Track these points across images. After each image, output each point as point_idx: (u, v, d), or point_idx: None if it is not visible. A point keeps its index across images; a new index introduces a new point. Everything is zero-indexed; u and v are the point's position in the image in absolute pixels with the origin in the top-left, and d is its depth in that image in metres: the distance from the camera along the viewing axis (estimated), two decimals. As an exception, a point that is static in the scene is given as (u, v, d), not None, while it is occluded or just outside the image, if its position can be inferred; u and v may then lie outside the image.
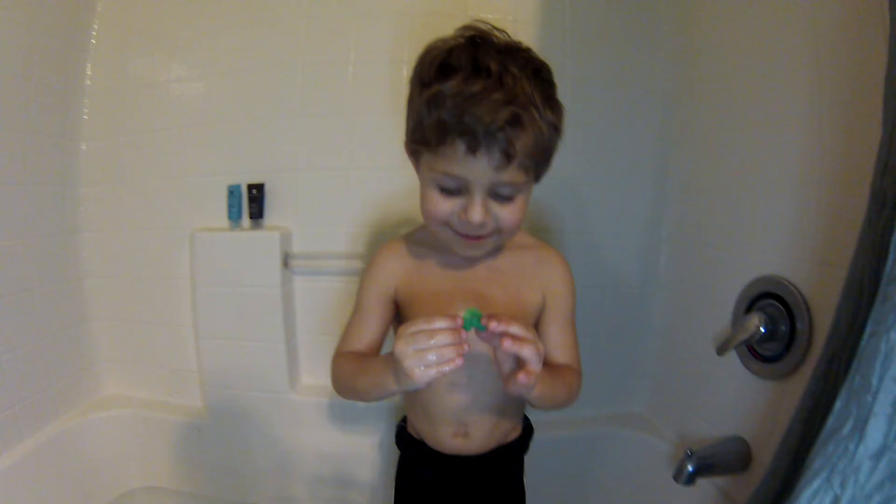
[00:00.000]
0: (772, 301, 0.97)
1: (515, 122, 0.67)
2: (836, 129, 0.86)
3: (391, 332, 0.90)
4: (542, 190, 1.13)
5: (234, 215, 1.33)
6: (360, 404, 1.33)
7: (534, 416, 0.98)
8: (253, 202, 1.33)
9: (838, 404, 0.54)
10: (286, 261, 1.32)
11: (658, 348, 1.38)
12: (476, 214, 0.72)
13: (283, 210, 1.36)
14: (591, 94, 1.33)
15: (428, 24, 1.29)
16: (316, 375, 1.40)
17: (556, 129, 0.75)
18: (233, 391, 1.37)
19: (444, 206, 0.74)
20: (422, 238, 0.90)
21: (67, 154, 1.38)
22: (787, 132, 0.97)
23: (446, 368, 0.63)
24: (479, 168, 0.69)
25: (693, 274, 1.26)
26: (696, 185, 1.26)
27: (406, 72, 1.27)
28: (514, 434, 0.94)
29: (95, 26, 1.39)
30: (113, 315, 1.46)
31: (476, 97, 0.66)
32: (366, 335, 0.88)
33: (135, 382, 1.49)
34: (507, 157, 0.68)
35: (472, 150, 0.68)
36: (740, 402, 1.03)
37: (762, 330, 0.95)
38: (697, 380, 1.20)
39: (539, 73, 0.74)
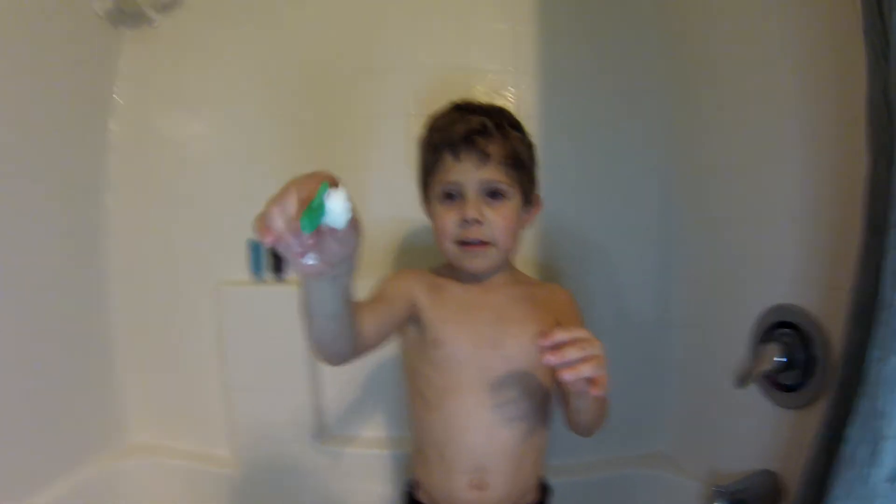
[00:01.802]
0: (787, 329, 0.98)
1: (485, 130, 0.88)
2: (834, 155, 0.89)
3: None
4: (551, 235, 1.17)
5: (256, 269, 1.37)
6: (384, 455, 1.34)
7: (554, 461, 0.98)
8: (274, 256, 1.37)
9: (852, 430, 0.55)
10: None
11: (678, 385, 1.36)
12: (470, 210, 0.87)
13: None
14: (592, 136, 1.37)
15: (435, 78, 1.37)
16: (343, 426, 1.41)
17: (527, 144, 0.95)
18: (261, 441, 1.38)
19: (448, 217, 0.89)
20: (441, 270, 0.99)
21: (93, 207, 1.42)
22: (787, 161, 1.00)
23: (267, 237, 0.50)
24: (464, 170, 0.88)
25: (708, 308, 1.27)
26: (703, 219, 1.28)
27: (414, 125, 1.33)
28: (532, 496, 0.96)
29: (118, 84, 1.47)
30: (141, 364, 1.48)
31: (455, 121, 0.91)
32: (368, 309, 0.82)
33: (163, 431, 1.49)
34: (485, 156, 0.87)
35: (456, 155, 0.88)
36: (765, 434, 1.02)
37: (780, 360, 0.96)
38: (720, 415, 1.18)
39: (510, 115, 0.95)
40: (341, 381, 1.40)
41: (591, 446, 1.32)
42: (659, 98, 1.38)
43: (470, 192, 0.88)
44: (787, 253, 0.99)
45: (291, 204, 0.49)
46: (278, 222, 0.49)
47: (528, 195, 0.95)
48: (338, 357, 0.76)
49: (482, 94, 1.34)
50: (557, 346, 0.63)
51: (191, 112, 1.45)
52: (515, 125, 0.94)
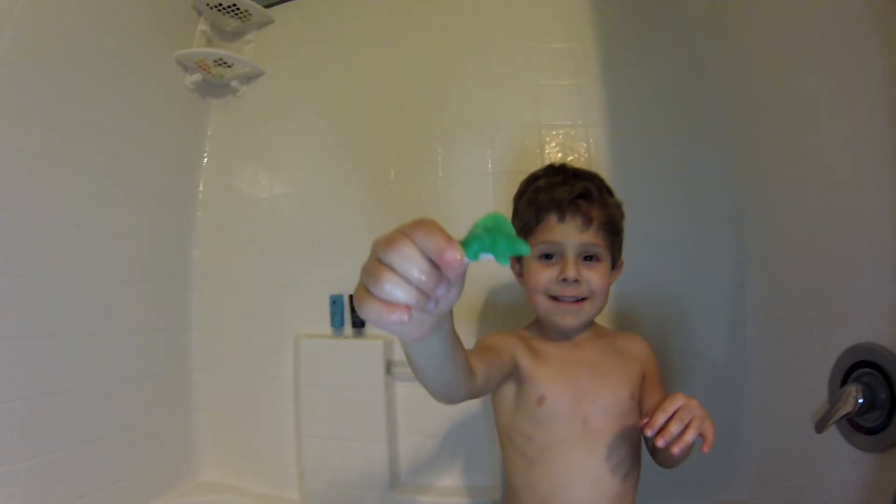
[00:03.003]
0: (868, 370, 0.96)
1: (588, 194, 0.95)
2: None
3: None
4: (626, 283, 1.19)
5: (336, 323, 1.46)
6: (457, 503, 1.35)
7: None
8: (355, 313, 1.43)
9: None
10: (389, 368, 1.41)
11: (756, 430, 1.32)
12: (570, 270, 0.92)
13: None
14: (662, 182, 1.40)
15: (508, 136, 1.43)
16: (415, 475, 1.43)
17: (619, 209, 1.02)
18: (333, 488, 1.41)
19: (544, 273, 0.95)
20: (530, 329, 1.05)
21: (182, 259, 1.59)
22: (864, 192, 0.97)
23: (396, 317, 0.39)
24: (568, 232, 0.94)
25: (783, 350, 1.24)
26: (775, 260, 1.27)
27: (490, 183, 1.40)
28: None
29: (207, 148, 1.62)
30: (217, 406, 1.57)
31: (559, 183, 0.97)
32: (475, 355, 0.84)
33: (235, 472, 1.55)
34: (588, 220, 0.94)
35: (562, 217, 0.94)
36: (847, 479, 0.98)
37: (860, 401, 0.94)
38: (800, 460, 1.13)
39: (604, 182, 1.02)
40: (417, 431, 1.43)
41: (670, 494, 1.33)
42: (726, 138, 1.39)
43: (570, 252, 0.94)
44: (867, 291, 0.97)
45: (434, 241, 0.39)
46: (413, 277, 0.39)
47: (616, 258, 1.02)
48: (455, 398, 0.78)
49: (555, 149, 1.39)
50: (662, 427, 0.71)
51: (273, 172, 1.58)
52: (610, 192, 1.02)
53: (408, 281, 0.39)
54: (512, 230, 0.42)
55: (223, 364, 1.58)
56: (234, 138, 1.61)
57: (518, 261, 1.03)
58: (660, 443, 0.71)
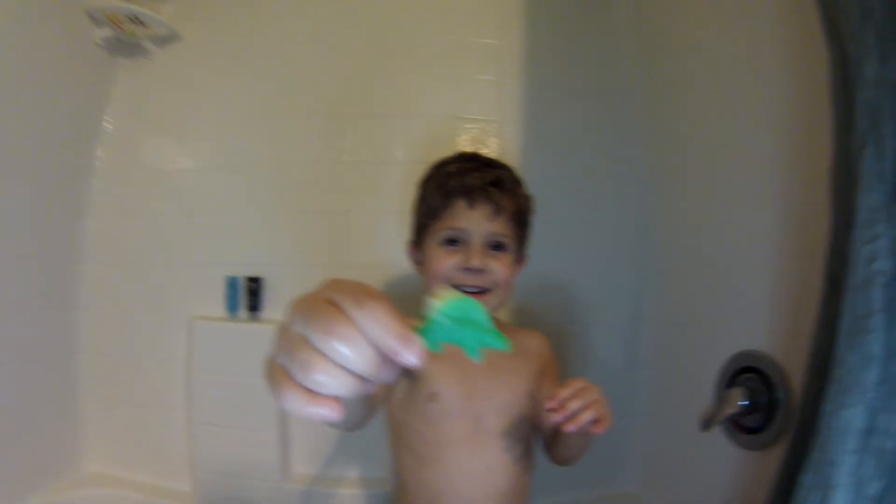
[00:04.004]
0: (751, 374, 1.02)
1: (500, 183, 0.92)
2: (801, 212, 0.94)
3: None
4: (527, 280, 1.20)
5: (232, 306, 1.36)
6: (352, 494, 1.33)
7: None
8: (251, 295, 1.36)
9: (805, 477, 0.58)
10: None
11: (646, 427, 1.39)
12: (476, 258, 0.88)
13: (281, 304, 1.37)
14: (571, 185, 1.41)
15: (416, 124, 1.40)
16: (308, 464, 1.39)
17: (529, 202, 0.99)
18: (224, 478, 1.35)
19: (448, 260, 0.90)
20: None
21: (72, 231, 1.42)
22: (757, 216, 1.05)
23: (326, 412, 0.32)
24: (476, 219, 0.90)
25: (675, 353, 1.31)
26: (674, 268, 1.33)
27: (400, 173, 1.37)
28: None
29: (109, 111, 1.48)
30: (104, 393, 1.45)
31: (471, 169, 0.93)
32: None
33: (121, 462, 1.45)
34: (498, 209, 0.90)
35: (471, 204, 0.90)
36: (729, 475, 1.05)
37: (744, 403, 0.99)
38: (687, 455, 1.22)
39: (516, 173, 0.99)
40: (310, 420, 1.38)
41: (562, 487, 1.36)
42: (637, 152, 1.44)
43: (476, 240, 0.90)
44: (754, 301, 1.04)
45: (379, 325, 0.32)
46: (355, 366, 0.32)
47: (521, 252, 0.99)
48: (358, 426, 0.78)
49: (467, 143, 1.38)
50: (562, 404, 0.71)
51: (179, 144, 1.45)
52: (522, 184, 0.98)
53: (344, 370, 0.32)
54: (486, 320, 0.37)
55: (113, 346, 1.44)
56: (140, 104, 1.46)
57: (417, 246, 0.99)
58: (558, 418, 0.70)
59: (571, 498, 1.38)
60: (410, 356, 0.32)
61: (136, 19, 1.38)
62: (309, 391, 0.32)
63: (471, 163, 0.96)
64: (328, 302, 0.33)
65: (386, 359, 0.32)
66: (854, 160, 0.61)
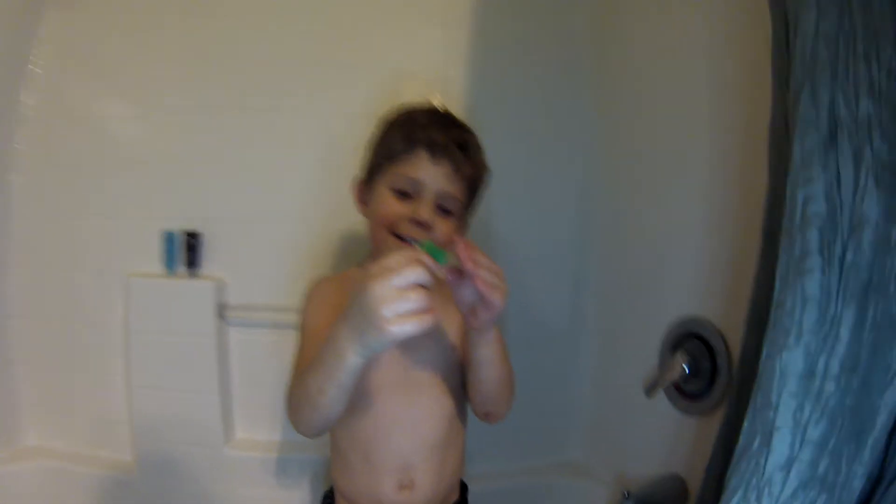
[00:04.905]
0: (693, 340, 1.04)
1: (466, 146, 0.91)
2: (737, 174, 0.97)
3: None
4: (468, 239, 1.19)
5: (169, 263, 1.31)
6: (296, 459, 1.32)
7: (469, 470, 1.00)
8: (189, 250, 1.32)
9: (746, 424, 0.58)
10: (221, 312, 1.31)
11: (589, 393, 1.41)
12: (425, 212, 0.86)
13: (221, 260, 1.35)
14: (513, 147, 1.40)
15: (357, 76, 1.38)
16: (251, 430, 1.36)
17: (486, 173, 0.98)
18: (164, 444, 1.31)
19: (397, 207, 0.88)
20: (355, 274, 0.99)
21: None
22: (694, 178, 1.07)
23: (426, 324, 0.60)
24: (435, 173, 0.88)
25: (619, 318, 1.32)
26: (617, 232, 1.35)
27: (336, 125, 1.35)
28: (455, 496, 0.98)
29: (36, 51, 1.37)
30: (38, 359, 1.38)
31: (440, 124, 0.92)
32: None
33: (59, 433, 1.38)
34: (457, 170, 0.89)
35: (434, 157, 0.88)
36: (673, 440, 1.07)
37: (686, 369, 1.01)
38: (630, 422, 1.23)
39: (479, 139, 0.97)
40: (250, 382, 1.36)
41: (505, 455, 1.37)
42: (581, 115, 1.44)
43: (429, 195, 0.88)
44: (694, 266, 1.06)
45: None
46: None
47: (465, 220, 0.98)
48: (329, 425, 0.82)
49: (412, 96, 1.35)
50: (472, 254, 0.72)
51: (112, 90, 1.36)
52: (483, 153, 0.97)
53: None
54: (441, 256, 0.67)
55: (45, 309, 1.36)
56: (71, 46, 1.35)
57: (366, 185, 0.97)
58: (462, 252, 0.71)
59: (515, 467, 1.39)
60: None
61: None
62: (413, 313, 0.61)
63: (441, 118, 0.96)
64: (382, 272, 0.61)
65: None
66: (791, 109, 0.62)
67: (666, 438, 1.09)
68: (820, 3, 0.62)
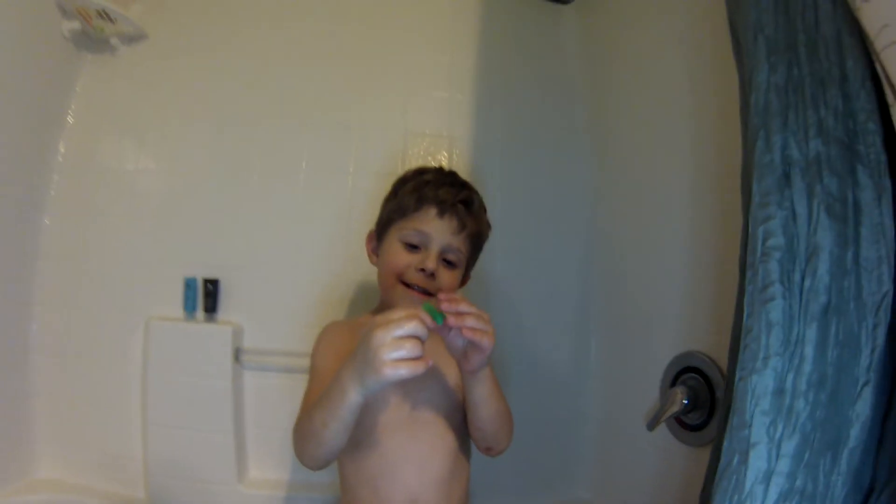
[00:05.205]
0: (692, 374, 1.07)
1: (470, 203, 1.03)
2: (717, 217, 1.03)
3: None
4: (474, 290, 1.25)
5: (189, 307, 1.37)
6: (306, 498, 1.34)
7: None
8: (208, 296, 1.38)
9: (725, 443, 0.62)
10: (237, 356, 1.36)
11: (595, 431, 1.43)
12: (431, 262, 0.96)
13: (238, 306, 1.41)
14: (518, 202, 1.50)
15: (369, 136, 1.48)
16: (263, 469, 1.38)
17: (488, 229, 1.10)
18: (178, 481, 1.33)
19: (406, 257, 0.99)
20: (363, 321, 1.04)
21: (29, 226, 1.39)
22: (679, 224, 1.15)
23: (417, 370, 0.68)
24: (442, 228, 0.99)
25: (621, 357, 1.37)
26: (617, 276, 1.41)
27: (351, 181, 1.46)
28: None
29: (73, 106, 1.47)
30: (58, 395, 1.40)
31: (447, 183, 1.04)
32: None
33: (72, 466, 1.39)
34: (462, 225, 1.00)
35: (441, 214, 0.99)
36: (676, 473, 1.09)
37: (685, 402, 1.04)
38: (635, 457, 1.25)
39: (480, 197, 1.10)
40: (263, 424, 1.40)
41: (514, 492, 1.39)
42: (581, 173, 1.54)
43: (435, 247, 0.98)
44: (690, 304, 1.11)
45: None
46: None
47: (466, 273, 1.08)
48: (331, 458, 0.86)
49: (419, 156, 1.45)
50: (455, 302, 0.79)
51: (141, 144, 1.46)
52: (486, 212, 1.09)
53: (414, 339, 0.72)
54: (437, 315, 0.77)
55: (67, 347, 1.40)
56: (104, 100, 1.46)
57: (377, 238, 1.07)
58: (445, 305, 0.78)
59: (523, 504, 1.40)
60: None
61: (104, 15, 1.39)
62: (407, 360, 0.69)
63: (448, 178, 1.07)
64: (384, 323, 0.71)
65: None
66: (749, 154, 0.68)
67: (671, 471, 1.10)
68: (771, 60, 0.70)
